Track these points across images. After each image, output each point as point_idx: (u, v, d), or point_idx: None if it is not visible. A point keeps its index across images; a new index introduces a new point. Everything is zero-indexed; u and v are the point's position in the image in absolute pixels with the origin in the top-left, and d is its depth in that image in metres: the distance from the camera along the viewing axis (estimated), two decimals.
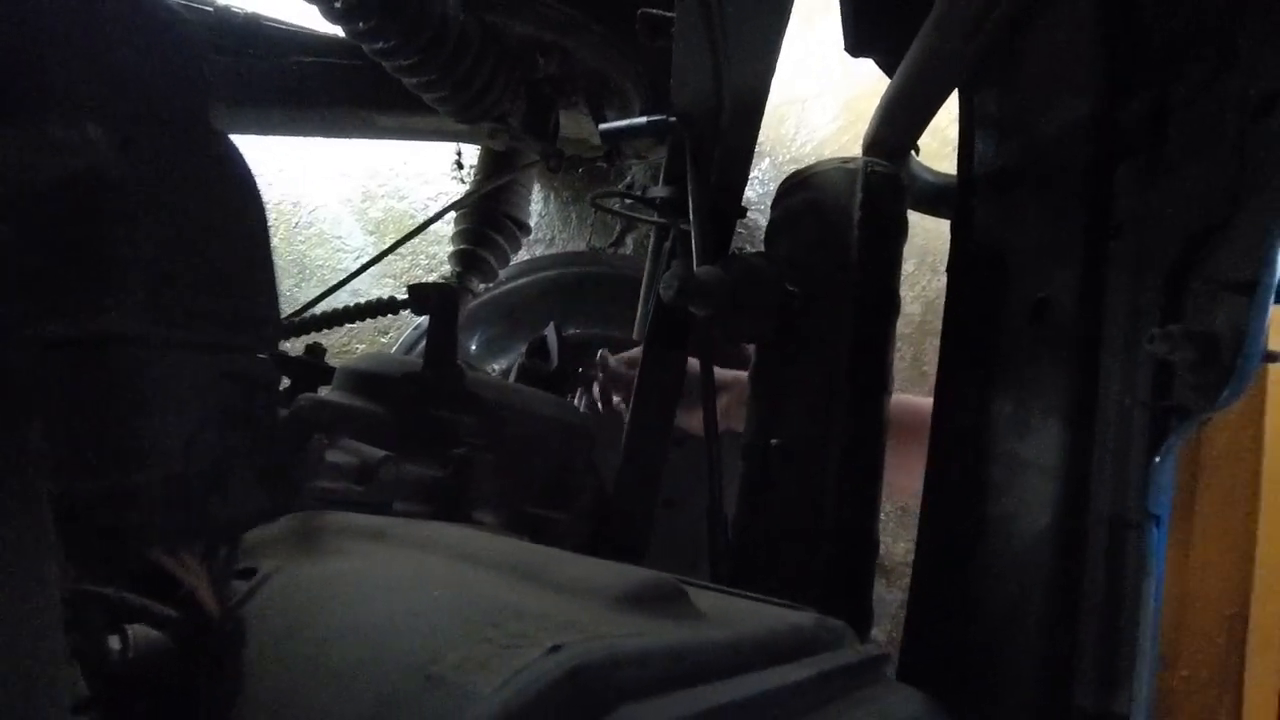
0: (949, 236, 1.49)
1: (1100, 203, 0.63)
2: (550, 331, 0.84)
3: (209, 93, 0.21)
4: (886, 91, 0.83)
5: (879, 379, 0.80)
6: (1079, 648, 0.56)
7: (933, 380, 1.51)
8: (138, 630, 0.31)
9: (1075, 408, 0.62)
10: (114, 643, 0.31)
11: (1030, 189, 0.75)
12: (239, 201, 0.20)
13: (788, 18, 0.75)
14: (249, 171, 0.21)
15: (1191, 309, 0.46)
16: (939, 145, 1.04)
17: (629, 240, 1.59)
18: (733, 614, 0.37)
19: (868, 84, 1.57)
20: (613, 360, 0.99)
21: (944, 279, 1.59)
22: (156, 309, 0.17)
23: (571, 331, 0.94)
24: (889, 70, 0.89)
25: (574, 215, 1.63)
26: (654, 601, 0.33)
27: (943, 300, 1.59)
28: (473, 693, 0.22)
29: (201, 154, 0.19)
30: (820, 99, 1.60)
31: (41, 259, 0.16)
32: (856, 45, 0.87)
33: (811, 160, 0.89)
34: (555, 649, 0.23)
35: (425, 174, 1.68)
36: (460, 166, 1.63)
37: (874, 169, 0.80)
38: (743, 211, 0.92)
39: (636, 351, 1.01)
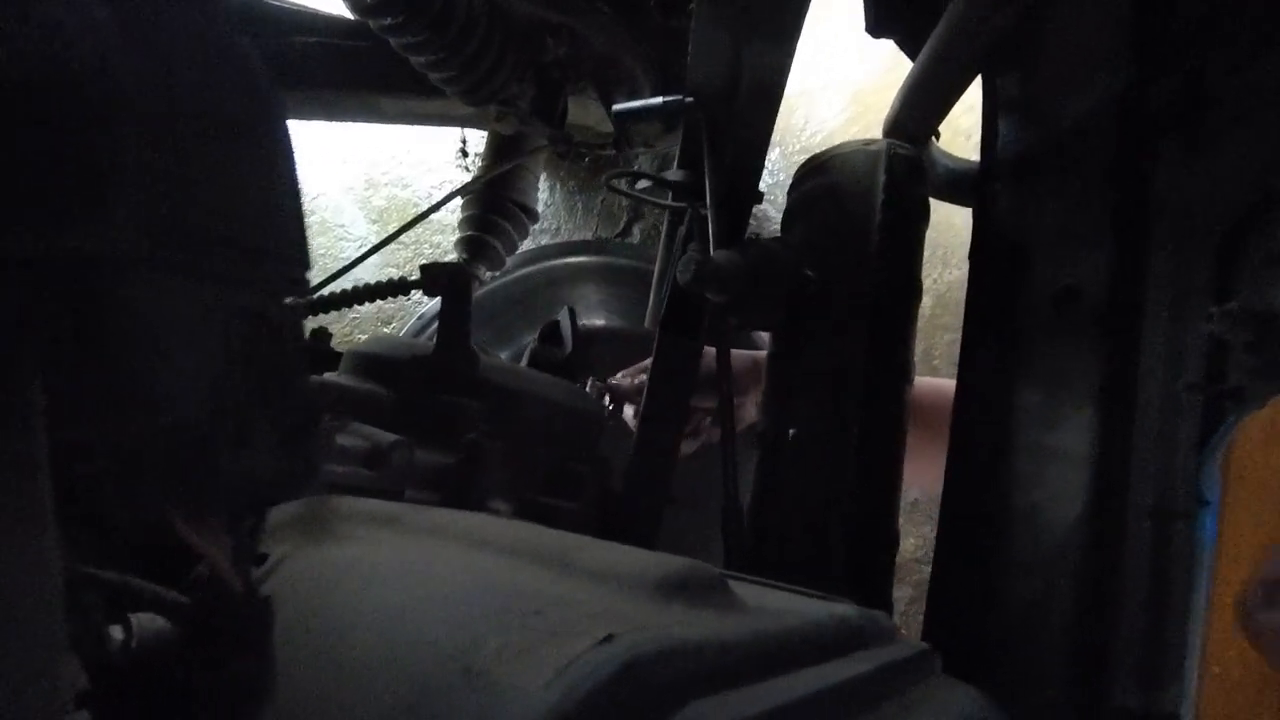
0: (962, 226, 1.46)
1: (1135, 182, 0.61)
2: (564, 316, 0.82)
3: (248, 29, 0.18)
4: (910, 73, 0.81)
5: (900, 367, 0.78)
6: (1117, 643, 0.54)
7: (941, 374, 1.49)
8: (142, 618, 0.29)
9: (1109, 395, 0.60)
10: (116, 631, 0.29)
11: (1056, 172, 0.72)
12: (261, 118, 0.18)
13: None
14: (275, 92, 0.19)
15: (1247, 286, 0.44)
16: (949, 134, 1.02)
17: (636, 229, 1.57)
18: (772, 605, 0.35)
19: (877, 75, 1.55)
20: (619, 382, 0.98)
21: (956, 271, 1.58)
22: (154, 227, 0.15)
23: (580, 323, 0.91)
24: (910, 52, 0.87)
25: (580, 204, 1.60)
26: (694, 590, 0.31)
27: (955, 293, 1.58)
28: (519, 688, 0.19)
29: (218, 53, 0.17)
30: (829, 90, 1.58)
31: (22, 161, 0.13)
32: (877, 25, 0.85)
33: (822, 149, 0.86)
34: (608, 639, 0.21)
35: (429, 162, 1.65)
36: (465, 154, 1.61)
37: (897, 151, 0.78)
38: (759, 196, 0.90)
39: (640, 366, 0.99)
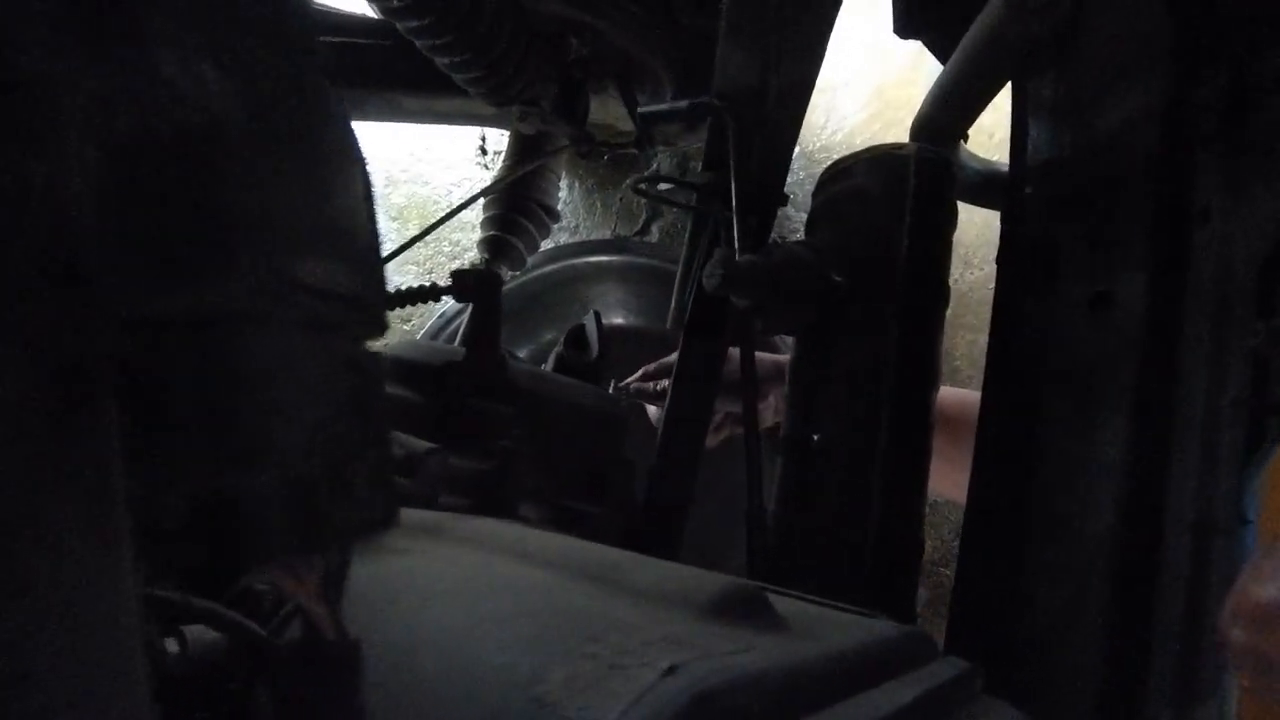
0: (984, 226, 1.45)
1: (1175, 190, 0.61)
2: (590, 320, 0.82)
3: (319, 50, 0.18)
4: (941, 75, 0.80)
5: (927, 372, 0.77)
6: (1150, 657, 0.53)
7: (961, 375, 1.48)
8: (195, 631, 0.29)
9: (1144, 405, 0.59)
10: (171, 645, 0.29)
11: (1090, 177, 0.72)
12: (353, 172, 0.18)
13: None
14: (357, 141, 0.19)
15: None
16: (972, 131, 1.01)
17: (655, 229, 1.56)
18: (814, 624, 0.35)
19: (898, 72, 1.53)
20: (643, 386, 0.98)
21: (978, 272, 1.57)
22: (276, 284, 0.15)
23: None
24: (939, 53, 0.86)
25: (598, 203, 1.60)
26: (741, 610, 0.31)
27: (976, 293, 1.57)
28: None
29: (311, 101, 0.17)
30: (850, 86, 1.57)
31: (148, 224, 0.14)
32: (905, 26, 0.84)
33: (843, 148, 0.86)
34: (671, 670, 0.21)
35: (448, 159, 1.65)
36: (484, 152, 1.61)
37: (926, 155, 0.77)
38: (784, 199, 0.90)
39: (663, 365, 0.99)
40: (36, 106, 0.12)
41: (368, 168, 0.19)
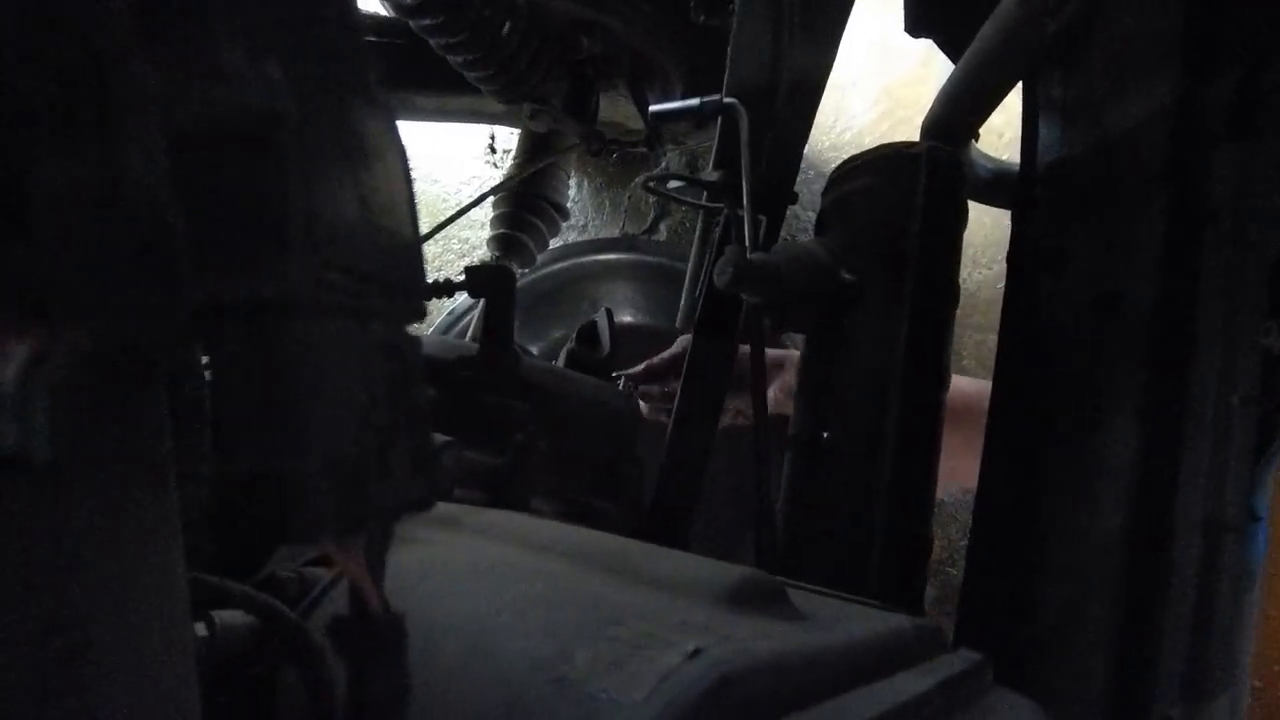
0: (993, 226, 1.45)
1: (1186, 190, 0.61)
2: (602, 317, 0.82)
3: (368, 46, 0.19)
4: (953, 73, 0.80)
5: (937, 372, 0.77)
6: (1160, 654, 0.53)
7: (971, 374, 1.48)
8: (223, 615, 0.30)
9: (1155, 404, 0.60)
10: (200, 629, 0.30)
11: (1101, 177, 0.72)
12: (395, 161, 0.18)
13: None
14: (399, 132, 0.19)
15: None
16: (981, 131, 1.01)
17: (663, 227, 1.57)
18: (829, 615, 0.35)
19: (907, 70, 1.53)
20: (649, 389, 0.97)
21: (986, 271, 1.57)
22: (323, 271, 0.16)
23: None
24: (950, 52, 0.86)
25: (607, 201, 1.61)
26: (758, 600, 0.32)
27: (984, 292, 1.57)
28: (617, 702, 0.20)
29: (364, 102, 0.17)
30: (859, 86, 1.57)
31: (209, 211, 0.14)
32: (916, 25, 0.84)
33: (852, 148, 0.86)
34: (696, 652, 0.22)
35: (457, 157, 1.66)
36: (494, 151, 1.61)
37: (937, 154, 0.77)
38: (795, 197, 0.90)
39: (656, 362, 0.98)
40: (130, 91, 0.12)
41: (408, 157, 0.19)
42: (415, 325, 0.20)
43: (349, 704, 0.20)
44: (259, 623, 0.29)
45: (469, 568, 0.33)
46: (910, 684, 0.28)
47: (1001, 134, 1.36)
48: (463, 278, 0.61)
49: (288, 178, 0.15)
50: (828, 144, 1.56)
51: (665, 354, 0.98)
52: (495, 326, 0.62)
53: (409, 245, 0.19)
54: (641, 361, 1.02)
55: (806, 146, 1.60)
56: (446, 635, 0.26)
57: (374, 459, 0.18)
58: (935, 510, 0.77)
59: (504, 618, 0.27)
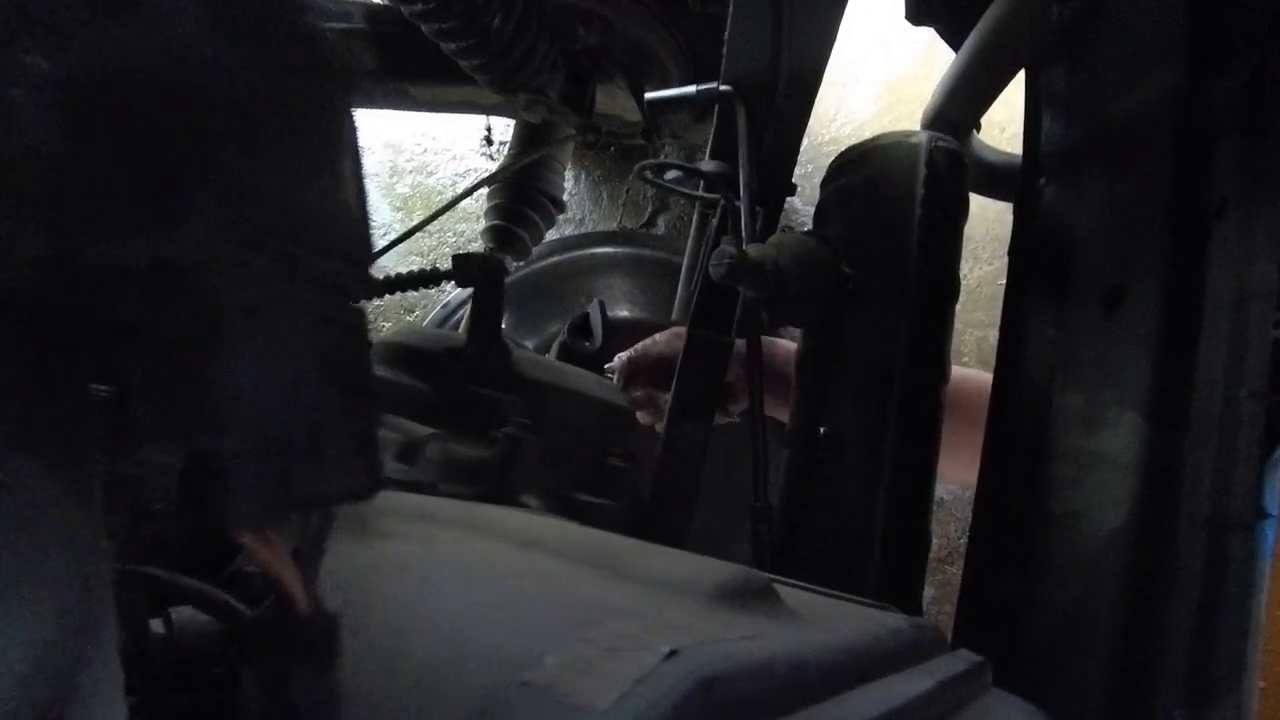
0: (994, 220, 1.43)
1: (1193, 182, 0.59)
2: (594, 309, 0.81)
3: (318, 9, 0.18)
4: (953, 63, 0.78)
5: (937, 367, 0.76)
6: (1163, 655, 0.52)
7: (968, 366, 1.46)
8: (182, 613, 0.29)
9: (1160, 400, 0.58)
10: (156, 626, 0.28)
11: (1105, 169, 0.70)
12: (333, 110, 0.17)
13: None
14: (348, 85, 0.18)
15: None
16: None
17: (661, 220, 1.55)
18: (823, 614, 0.34)
19: (909, 65, 1.52)
20: (621, 363, 0.92)
21: (987, 267, 1.55)
22: (242, 231, 0.14)
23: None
24: (951, 42, 0.84)
25: (605, 194, 1.59)
26: (748, 598, 0.30)
27: (985, 288, 1.55)
28: (586, 708, 0.18)
29: (298, 49, 0.16)
30: (860, 80, 1.55)
31: (109, 159, 0.13)
32: (918, 14, 0.82)
33: (851, 142, 0.85)
34: (672, 654, 0.20)
35: (453, 149, 1.64)
36: (490, 142, 1.60)
37: (938, 144, 0.76)
38: (792, 189, 0.88)
39: (636, 356, 0.95)
40: None
41: (357, 131, 0.18)
42: (363, 298, 0.19)
43: (271, 712, 0.19)
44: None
45: (446, 563, 0.32)
46: (905, 686, 0.26)
47: (1004, 129, 1.34)
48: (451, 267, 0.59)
49: (201, 128, 0.13)
50: (827, 138, 1.55)
51: (650, 351, 0.94)
52: (485, 318, 0.61)
53: (352, 211, 0.18)
54: None
55: (806, 140, 1.59)
56: (416, 633, 0.25)
57: (301, 441, 0.16)
58: (935, 508, 0.76)
59: (477, 615, 0.26)
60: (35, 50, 0.12)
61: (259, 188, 0.15)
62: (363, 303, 0.18)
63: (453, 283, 0.70)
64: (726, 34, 0.76)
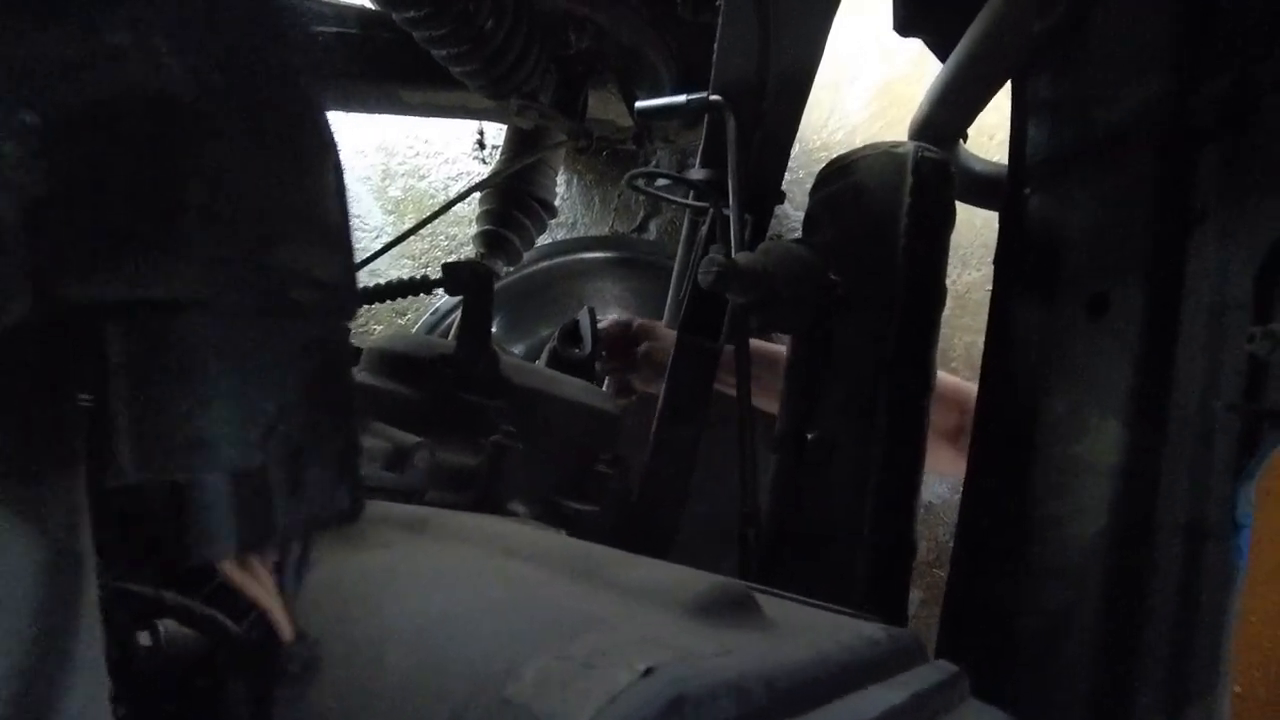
0: (982, 227, 1.44)
1: (1175, 190, 0.60)
2: (584, 316, 0.81)
3: (302, 32, 0.18)
4: (941, 73, 0.79)
5: (923, 373, 0.77)
6: (1141, 659, 0.53)
7: (961, 376, 1.48)
8: (169, 625, 0.29)
9: (1140, 408, 0.59)
10: (143, 639, 0.28)
11: (1089, 177, 0.71)
12: (324, 154, 0.17)
13: None
14: (329, 126, 0.18)
15: None
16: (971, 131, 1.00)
17: (652, 226, 1.56)
18: (801, 625, 0.34)
19: (901, 70, 1.53)
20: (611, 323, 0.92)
21: (974, 273, 1.56)
22: (228, 267, 0.14)
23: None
24: (939, 52, 0.85)
25: (597, 199, 1.59)
26: (727, 610, 0.31)
27: (973, 294, 1.56)
28: None
29: (285, 95, 0.16)
30: (853, 85, 1.56)
31: (85, 199, 0.13)
32: (905, 24, 0.83)
33: (843, 147, 0.85)
34: (648, 672, 0.21)
35: (446, 153, 1.64)
36: (482, 146, 1.60)
37: (924, 154, 0.77)
38: (781, 196, 0.89)
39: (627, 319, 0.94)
40: None
41: (339, 152, 0.18)
42: (346, 321, 0.19)
43: None
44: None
45: (428, 573, 0.32)
46: (878, 699, 0.27)
47: (992, 135, 1.35)
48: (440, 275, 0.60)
49: (185, 166, 0.14)
50: (819, 143, 1.56)
51: (632, 327, 0.93)
52: (474, 325, 0.61)
53: (336, 237, 0.18)
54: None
55: (797, 145, 1.60)
56: (395, 644, 0.25)
57: (284, 471, 0.17)
58: (923, 512, 0.77)
59: (456, 626, 0.26)
60: (27, 105, 0.12)
61: (243, 220, 0.15)
62: (345, 322, 0.18)
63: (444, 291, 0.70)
64: (716, 43, 0.77)
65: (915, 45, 0.97)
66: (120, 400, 0.15)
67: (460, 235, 1.61)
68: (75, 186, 0.13)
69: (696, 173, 0.82)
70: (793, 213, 1.46)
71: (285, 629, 0.20)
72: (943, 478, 1.39)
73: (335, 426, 0.18)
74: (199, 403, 0.15)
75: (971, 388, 0.90)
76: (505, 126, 1.28)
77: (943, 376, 0.88)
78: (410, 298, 1.45)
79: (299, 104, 0.17)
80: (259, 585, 0.19)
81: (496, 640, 0.25)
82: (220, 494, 0.16)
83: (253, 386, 0.16)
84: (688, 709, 0.19)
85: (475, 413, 0.59)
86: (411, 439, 0.50)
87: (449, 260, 1.62)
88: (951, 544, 0.73)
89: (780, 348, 1.01)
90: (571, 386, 0.73)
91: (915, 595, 1.43)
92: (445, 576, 0.32)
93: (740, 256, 0.74)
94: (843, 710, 0.25)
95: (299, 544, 0.20)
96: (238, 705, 0.27)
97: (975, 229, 1.41)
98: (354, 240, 0.21)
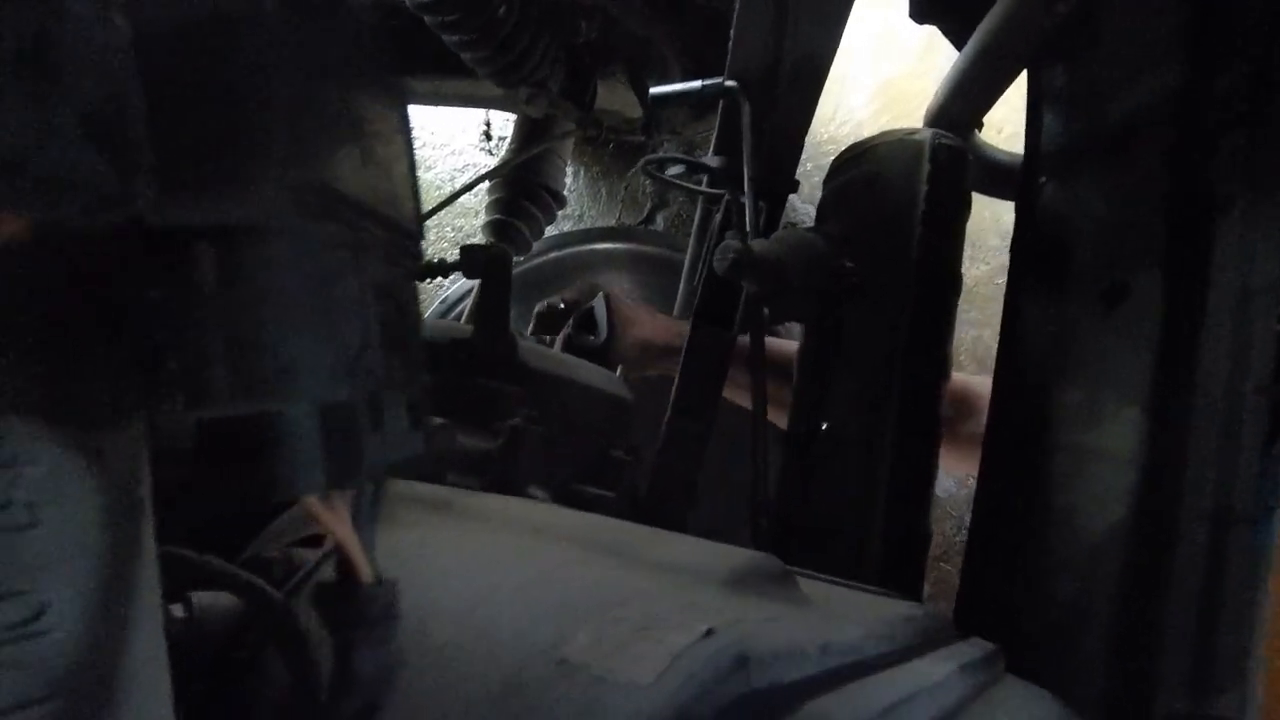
0: (992, 220, 1.44)
1: (1195, 178, 0.60)
2: (599, 303, 0.81)
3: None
4: (956, 61, 0.79)
5: (938, 364, 0.76)
6: (1164, 648, 0.52)
7: (966, 372, 1.47)
8: (203, 597, 0.28)
9: (1161, 395, 0.59)
10: (177, 611, 0.28)
11: (1106, 166, 0.71)
12: (386, 84, 0.17)
13: None
14: (399, 87, 0.18)
15: None
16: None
17: (660, 217, 1.55)
18: (839, 601, 0.34)
19: (908, 65, 1.52)
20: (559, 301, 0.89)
21: (984, 266, 1.56)
22: (311, 197, 0.14)
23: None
24: (955, 39, 0.85)
25: (604, 190, 1.59)
26: (765, 583, 0.30)
27: (982, 288, 1.56)
28: (627, 683, 0.18)
29: (349, 18, 0.16)
30: (859, 79, 1.56)
31: (177, 121, 0.12)
32: (921, 11, 0.83)
33: (850, 141, 0.85)
34: (709, 633, 0.20)
35: (452, 144, 1.64)
36: (489, 138, 1.59)
37: (941, 142, 0.76)
38: (796, 185, 0.89)
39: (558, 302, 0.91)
40: None
41: (407, 104, 0.18)
42: (415, 265, 0.18)
43: (335, 683, 0.19)
44: (240, 605, 0.27)
45: (462, 550, 0.32)
46: (930, 668, 0.27)
47: (1000, 129, 1.35)
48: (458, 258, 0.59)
49: (270, 89, 0.13)
50: (826, 136, 1.55)
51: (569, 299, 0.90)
52: (491, 309, 0.60)
53: (407, 182, 0.18)
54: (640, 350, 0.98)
55: (806, 137, 1.59)
56: (439, 617, 0.25)
57: (368, 407, 0.16)
58: (933, 505, 0.77)
59: (500, 599, 0.26)
60: (119, 9, 0.11)
61: (327, 158, 0.14)
62: (414, 265, 0.18)
63: (452, 276, 0.70)
64: (732, 28, 0.76)
65: (919, 41, 0.97)
66: (213, 326, 0.14)
67: (467, 227, 1.61)
68: (173, 102, 0.12)
69: (711, 159, 0.82)
70: (800, 206, 1.46)
71: (365, 569, 0.19)
72: (949, 473, 1.39)
73: (408, 372, 0.18)
74: (288, 331, 0.14)
75: (966, 379, 0.89)
76: (513, 117, 1.28)
77: None
78: (420, 287, 1.43)
79: (375, 53, 0.17)
80: (341, 523, 0.19)
81: (543, 610, 0.24)
82: (311, 426, 0.15)
83: (338, 318, 0.15)
84: (752, 667, 0.19)
85: (492, 397, 0.59)
86: (431, 421, 0.50)
87: (457, 251, 1.62)
88: (960, 538, 0.73)
89: (787, 343, 1.00)
90: (589, 372, 0.72)
91: (924, 589, 1.43)
92: (480, 554, 0.32)
93: (755, 244, 0.74)
94: (898, 678, 0.24)
95: (375, 484, 0.19)
96: (276, 677, 0.27)
97: (985, 221, 1.41)
98: (423, 236, 0.20)
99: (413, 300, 0.18)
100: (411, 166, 0.18)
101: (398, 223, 0.17)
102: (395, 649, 0.20)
